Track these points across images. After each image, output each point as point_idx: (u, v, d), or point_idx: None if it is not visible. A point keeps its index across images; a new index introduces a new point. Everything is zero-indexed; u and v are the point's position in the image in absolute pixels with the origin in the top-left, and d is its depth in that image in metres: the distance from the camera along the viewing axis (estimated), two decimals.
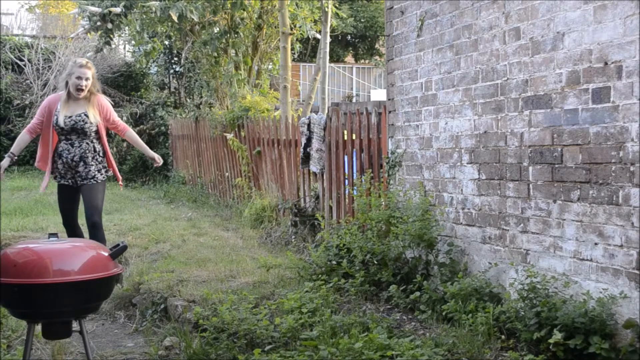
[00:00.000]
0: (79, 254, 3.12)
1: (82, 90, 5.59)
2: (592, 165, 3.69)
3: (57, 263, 3.00)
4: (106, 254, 3.16)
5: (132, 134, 6.05)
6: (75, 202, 5.78)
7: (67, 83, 5.64)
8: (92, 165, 5.65)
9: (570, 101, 3.83)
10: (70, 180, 5.67)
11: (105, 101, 5.85)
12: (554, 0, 3.94)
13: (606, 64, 3.59)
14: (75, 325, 3.21)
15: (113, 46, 16.04)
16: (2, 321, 4.43)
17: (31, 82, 16.09)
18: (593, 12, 3.67)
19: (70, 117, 5.61)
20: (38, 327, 3.22)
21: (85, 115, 5.63)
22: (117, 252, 3.19)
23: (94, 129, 5.69)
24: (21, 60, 16.29)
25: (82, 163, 5.62)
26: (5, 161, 5.60)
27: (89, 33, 16.76)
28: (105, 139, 5.79)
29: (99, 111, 5.74)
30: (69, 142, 5.63)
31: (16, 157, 5.73)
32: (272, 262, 5.90)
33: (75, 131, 5.62)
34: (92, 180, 5.64)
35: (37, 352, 4.17)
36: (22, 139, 5.73)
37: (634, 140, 3.43)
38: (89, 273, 3.01)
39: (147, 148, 6.16)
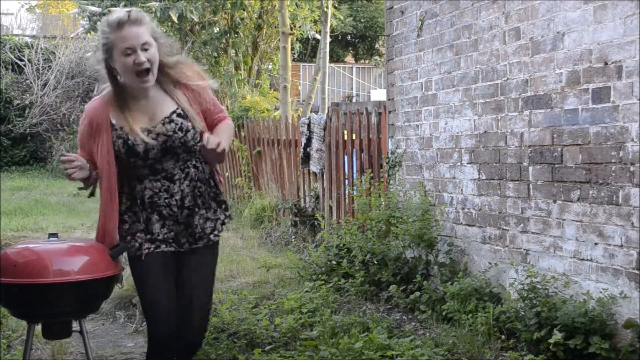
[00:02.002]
0: (79, 254, 3.11)
1: (147, 71, 2.73)
2: (592, 165, 3.69)
3: (57, 263, 2.99)
4: (106, 254, 3.16)
5: (227, 125, 3.04)
6: (174, 280, 2.89)
7: (109, 70, 2.79)
8: (212, 208, 2.94)
9: (570, 101, 3.83)
10: (174, 245, 2.88)
11: (202, 73, 2.97)
12: (554, 0, 3.94)
13: (606, 64, 3.59)
14: (75, 325, 3.21)
15: None
16: (2, 321, 4.43)
17: (31, 82, 16.09)
18: (593, 12, 3.67)
19: (151, 131, 2.80)
20: (38, 327, 3.22)
21: (180, 115, 2.84)
22: (117, 252, 3.19)
23: (197, 138, 2.86)
24: (21, 60, 16.29)
25: (196, 207, 2.88)
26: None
27: (89, 33, 16.79)
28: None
29: (196, 98, 2.90)
30: (164, 175, 2.84)
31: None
32: (272, 262, 5.90)
33: (171, 153, 2.82)
34: (210, 237, 2.92)
35: (37, 352, 4.16)
36: None
37: (634, 140, 3.43)
38: (89, 273, 3.01)
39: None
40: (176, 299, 2.85)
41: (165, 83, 2.86)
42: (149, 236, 2.85)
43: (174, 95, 2.86)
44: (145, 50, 2.72)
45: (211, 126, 2.95)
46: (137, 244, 2.84)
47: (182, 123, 2.82)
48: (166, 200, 2.84)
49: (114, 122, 2.80)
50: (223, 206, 2.98)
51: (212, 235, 2.90)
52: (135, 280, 2.92)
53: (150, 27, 2.79)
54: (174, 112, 2.84)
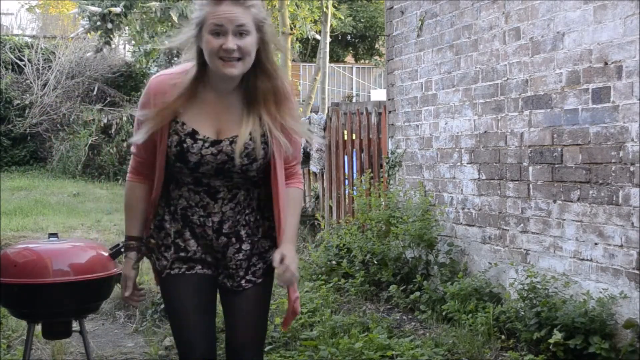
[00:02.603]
0: (79, 254, 3.11)
1: (234, 61, 2.12)
2: (592, 165, 3.69)
3: (57, 263, 3.00)
4: (106, 254, 3.16)
5: (298, 194, 2.40)
6: (213, 311, 2.39)
7: (199, 52, 2.18)
8: (261, 245, 2.32)
9: (570, 101, 3.83)
10: (209, 269, 2.31)
11: (295, 103, 2.34)
12: (554, 0, 3.94)
13: (606, 64, 3.59)
14: (75, 325, 3.21)
15: (113, 46, 16.02)
16: (2, 321, 4.43)
17: (31, 82, 16.08)
18: (593, 12, 3.67)
19: (216, 143, 2.20)
20: (38, 327, 3.22)
21: (253, 139, 2.20)
22: (117, 252, 3.19)
23: (262, 168, 2.27)
24: (21, 60, 16.29)
25: (235, 239, 2.28)
26: (129, 266, 2.34)
27: (89, 33, 16.78)
28: (281, 186, 2.29)
29: (281, 126, 2.22)
30: (206, 189, 2.26)
31: (142, 245, 2.34)
32: None
33: (225, 175, 2.24)
34: (241, 282, 2.31)
35: (37, 352, 4.16)
36: (134, 198, 2.32)
37: (634, 140, 3.43)
38: (89, 273, 3.01)
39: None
40: (228, 334, 2.41)
41: (254, 92, 2.21)
42: (182, 254, 2.28)
43: (257, 112, 2.21)
44: (240, 35, 2.12)
45: (287, 167, 2.37)
46: (167, 262, 2.30)
47: (252, 149, 2.20)
48: (201, 219, 2.26)
49: (180, 111, 2.20)
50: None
51: (243, 281, 2.29)
52: (164, 300, 2.45)
53: (256, 13, 2.16)
54: (250, 133, 2.20)
